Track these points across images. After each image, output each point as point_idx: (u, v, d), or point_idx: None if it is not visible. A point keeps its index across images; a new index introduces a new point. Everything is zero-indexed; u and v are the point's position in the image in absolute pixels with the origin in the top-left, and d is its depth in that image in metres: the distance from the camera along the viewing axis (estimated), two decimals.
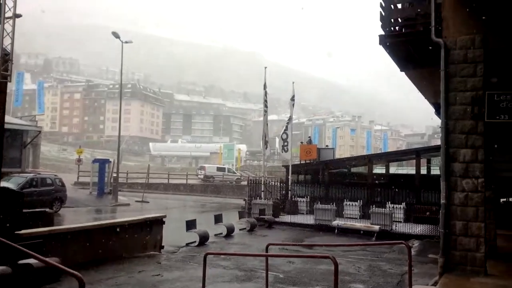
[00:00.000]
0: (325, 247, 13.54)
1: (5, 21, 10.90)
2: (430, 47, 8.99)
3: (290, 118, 26.01)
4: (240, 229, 17.41)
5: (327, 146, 66.39)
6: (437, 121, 13.35)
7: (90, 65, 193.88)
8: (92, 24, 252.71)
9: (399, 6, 10.37)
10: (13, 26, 11.00)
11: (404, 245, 7.69)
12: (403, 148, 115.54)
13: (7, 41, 10.91)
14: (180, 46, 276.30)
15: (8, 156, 24.56)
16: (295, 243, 15.22)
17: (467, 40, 8.66)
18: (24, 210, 13.14)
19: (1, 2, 10.83)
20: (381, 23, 9.80)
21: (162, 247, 12.38)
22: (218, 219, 16.30)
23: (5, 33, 10.84)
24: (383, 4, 9.80)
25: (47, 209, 16.54)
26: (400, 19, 10.29)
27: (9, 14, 10.95)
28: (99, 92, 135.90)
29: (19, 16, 11.15)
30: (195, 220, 14.23)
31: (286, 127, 25.39)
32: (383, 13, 9.79)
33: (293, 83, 25.79)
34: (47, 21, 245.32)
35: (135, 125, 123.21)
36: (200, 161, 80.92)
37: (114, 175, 29.77)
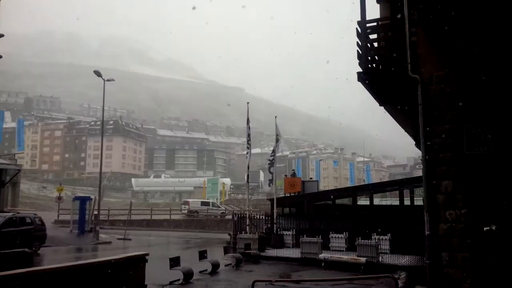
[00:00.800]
0: (312, 282, 13.38)
1: None
2: (407, 83, 9.28)
3: (274, 152, 26.12)
4: (225, 265, 17.11)
5: (311, 178, 66.65)
6: (418, 152, 13.61)
7: (72, 103, 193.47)
8: (75, 63, 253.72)
9: (375, 44, 10.74)
10: None
11: (391, 278, 7.67)
12: (386, 179, 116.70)
13: None
14: (162, 83, 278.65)
15: None
16: (282, 279, 14.98)
17: (443, 76, 8.98)
18: (2, 251, 12.78)
19: None
20: (358, 61, 10.10)
21: (145, 286, 12.05)
22: (202, 255, 16.01)
23: None
24: (360, 43, 10.13)
25: (26, 249, 16.06)
26: (377, 56, 10.64)
27: None
28: (81, 129, 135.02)
29: None
30: (179, 257, 13.95)
31: (272, 162, 25.42)
32: (360, 51, 10.11)
33: (275, 117, 26.02)
34: (29, 60, 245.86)
35: (117, 161, 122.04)
36: (184, 196, 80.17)
37: (95, 212, 29.20)
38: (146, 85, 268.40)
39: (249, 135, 24.55)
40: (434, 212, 8.81)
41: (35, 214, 23.21)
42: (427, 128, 8.98)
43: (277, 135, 25.59)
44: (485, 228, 8.67)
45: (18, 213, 23.05)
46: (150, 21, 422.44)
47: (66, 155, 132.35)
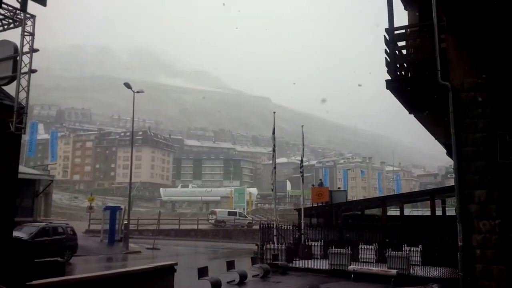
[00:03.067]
0: None
1: (21, 76, 11.32)
2: (437, 90, 9.10)
3: (301, 161, 26.02)
4: (253, 276, 17.03)
5: (339, 188, 65.89)
6: (449, 161, 13.27)
7: (102, 115, 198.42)
8: (105, 75, 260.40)
9: (404, 51, 10.61)
10: (29, 81, 11.41)
11: None
12: (416, 188, 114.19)
13: (22, 95, 11.29)
14: (189, 94, 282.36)
15: (21, 205, 24.73)
16: None
17: (474, 82, 8.77)
18: (36, 260, 13.11)
19: (18, 59, 11.29)
20: (387, 69, 9.98)
21: None
22: (230, 265, 16.00)
23: (20, 88, 11.24)
24: (388, 51, 10.02)
25: (58, 259, 16.45)
26: (406, 64, 10.49)
27: (25, 69, 11.39)
28: (111, 140, 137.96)
29: (34, 71, 11.57)
30: (206, 267, 13.99)
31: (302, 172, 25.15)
32: (388, 59, 9.99)
33: (302, 126, 25.97)
34: (60, 74, 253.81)
35: (146, 171, 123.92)
36: (211, 206, 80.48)
37: (125, 222, 29.65)
38: (173, 96, 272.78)
39: (274, 145, 24.53)
40: (467, 222, 8.56)
41: (67, 224, 23.77)
42: (459, 136, 8.76)
43: (302, 144, 25.52)
44: None
45: (50, 222, 23.66)
46: (177, 33, 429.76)
47: (97, 166, 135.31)
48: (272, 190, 25.31)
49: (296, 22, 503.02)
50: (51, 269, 11.89)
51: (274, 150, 24.56)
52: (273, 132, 24.19)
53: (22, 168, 31.09)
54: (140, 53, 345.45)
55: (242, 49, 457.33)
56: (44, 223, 22.39)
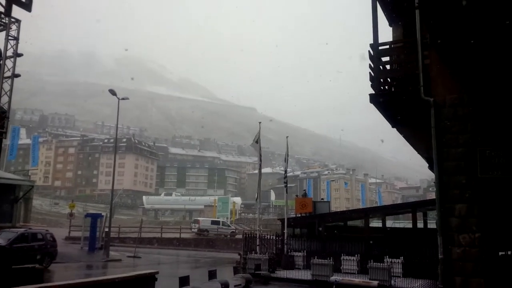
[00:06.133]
0: None
1: (4, 81, 11.20)
2: (420, 105, 9.27)
3: (285, 172, 26.11)
4: (235, 286, 16.92)
5: (322, 199, 66.25)
6: (431, 174, 13.46)
7: (86, 121, 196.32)
8: (90, 82, 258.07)
9: (388, 67, 10.79)
10: (11, 85, 11.31)
11: None
12: (398, 201, 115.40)
13: (4, 100, 11.17)
14: (175, 102, 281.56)
15: (0, 211, 24.26)
16: None
17: (456, 99, 8.97)
18: (14, 266, 12.85)
19: (1, 63, 11.16)
20: (371, 83, 10.14)
21: None
22: (212, 275, 15.89)
23: (2, 92, 11.11)
24: (372, 65, 10.19)
25: (37, 265, 16.10)
26: (389, 78, 10.68)
27: (8, 73, 11.27)
28: (94, 146, 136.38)
29: (17, 76, 11.46)
30: (188, 276, 13.86)
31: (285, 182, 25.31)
32: (373, 74, 10.16)
33: (287, 137, 26.10)
34: (45, 78, 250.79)
35: (129, 179, 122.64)
36: (194, 214, 79.99)
37: (106, 229, 29.26)
38: (159, 104, 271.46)
39: (260, 154, 24.56)
40: (447, 235, 8.69)
41: (46, 230, 23.33)
42: (440, 151, 8.93)
43: (286, 154, 25.63)
44: (500, 253, 8.51)
45: (30, 228, 23.19)
46: (164, 41, 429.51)
47: (79, 172, 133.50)
48: (256, 199, 25.28)
49: (286, 34, 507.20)
50: (29, 276, 11.67)
51: (260, 160, 24.59)
52: (257, 142, 24.21)
53: (2, 173, 30.59)
54: (126, 60, 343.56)
55: (229, 60, 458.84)
56: (23, 229, 21.93)
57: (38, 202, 76.30)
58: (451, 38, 8.33)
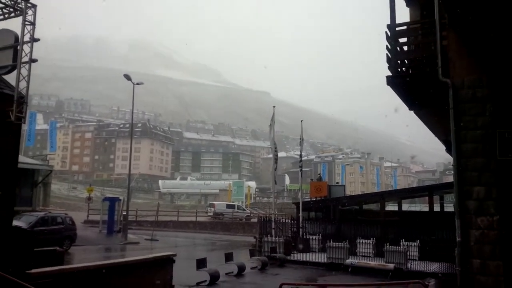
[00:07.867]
0: (339, 287, 13.27)
1: (22, 66, 11.30)
2: (438, 87, 9.12)
3: (301, 156, 26.06)
4: (251, 268, 17.15)
5: (337, 183, 66.05)
6: (448, 158, 13.33)
7: (101, 106, 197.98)
8: (104, 67, 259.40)
9: (405, 48, 10.60)
10: (29, 70, 11.39)
11: (420, 284, 7.56)
12: (414, 184, 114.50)
13: (22, 85, 11.27)
14: (189, 86, 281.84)
15: (20, 195, 24.78)
16: (309, 283, 14.92)
17: (474, 80, 8.79)
18: (35, 249, 13.18)
19: (18, 48, 11.26)
20: (388, 65, 9.99)
21: (173, 286, 12.20)
22: (228, 257, 16.11)
23: (20, 77, 11.22)
24: (389, 47, 10.02)
25: (57, 248, 16.49)
26: (407, 60, 10.50)
27: (25, 59, 11.37)
28: (110, 131, 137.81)
29: (35, 61, 11.53)
30: (205, 258, 14.09)
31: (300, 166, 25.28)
32: (389, 55, 10.00)
33: (301, 121, 25.99)
34: (59, 64, 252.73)
35: (144, 163, 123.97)
36: (210, 198, 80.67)
37: (124, 213, 29.74)
38: (173, 89, 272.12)
39: (273, 138, 24.49)
40: (465, 218, 8.62)
41: (66, 214, 23.82)
42: (459, 133, 8.80)
43: (301, 139, 25.55)
44: None
45: (49, 212, 23.72)
46: (176, 26, 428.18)
47: (96, 157, 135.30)
48: (274, 183, 25.22)
49: (299, 17, 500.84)
50: (50, 258, 11.93)
51: (274, 143, 24.57)
52: (272, 126, 24.15)
53: (21, 158, 31.07)
54: (138, 45, 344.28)
55: (242, 44, 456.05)
56: (43, 213, 22.45)
57: (56, 187, 77.71)
58: (469, 17, 8.14)
